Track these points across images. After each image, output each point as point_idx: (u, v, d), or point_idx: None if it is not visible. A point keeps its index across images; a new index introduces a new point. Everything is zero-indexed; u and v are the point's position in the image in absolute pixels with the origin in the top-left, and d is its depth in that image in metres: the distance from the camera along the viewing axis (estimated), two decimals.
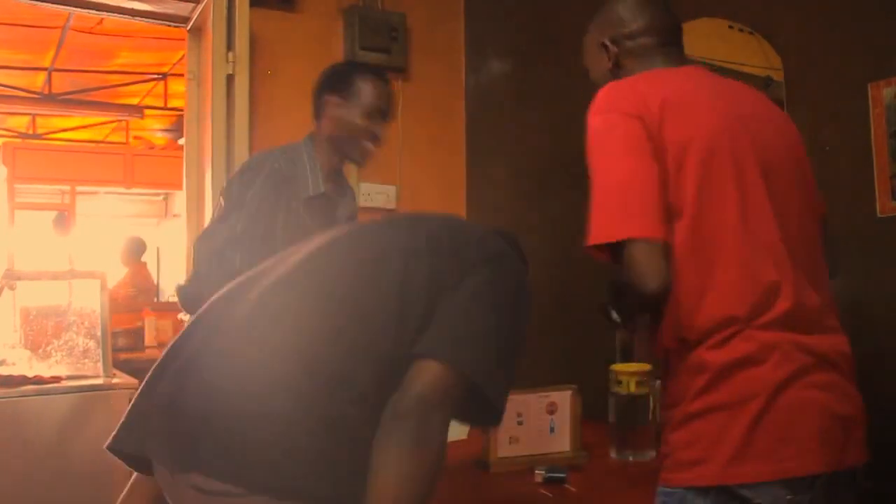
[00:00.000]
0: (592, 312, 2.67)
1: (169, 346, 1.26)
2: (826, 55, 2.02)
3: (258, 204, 2.01)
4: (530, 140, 2.97)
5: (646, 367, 2.08)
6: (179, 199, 5.93)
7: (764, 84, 2.18)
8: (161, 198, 9.34)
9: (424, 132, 3.17)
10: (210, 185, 2.71)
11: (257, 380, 1.11)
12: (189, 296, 2.04)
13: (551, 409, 2.07)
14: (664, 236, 1.26)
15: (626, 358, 2.09)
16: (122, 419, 1.23)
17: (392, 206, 3.04)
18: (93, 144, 7.92)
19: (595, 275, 2.63)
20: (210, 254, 2.00)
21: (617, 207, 1.28)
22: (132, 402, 1.24)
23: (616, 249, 1.27)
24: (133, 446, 1.20)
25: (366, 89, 2.16)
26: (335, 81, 2.20)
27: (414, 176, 3.11)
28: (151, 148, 8.00)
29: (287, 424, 1.07)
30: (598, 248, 1.30)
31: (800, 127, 2.05)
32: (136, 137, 7.98)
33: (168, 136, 7.53)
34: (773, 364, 1.23)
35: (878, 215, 1.89)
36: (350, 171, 2.96)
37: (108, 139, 8.03)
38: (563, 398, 2.08)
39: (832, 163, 2.00)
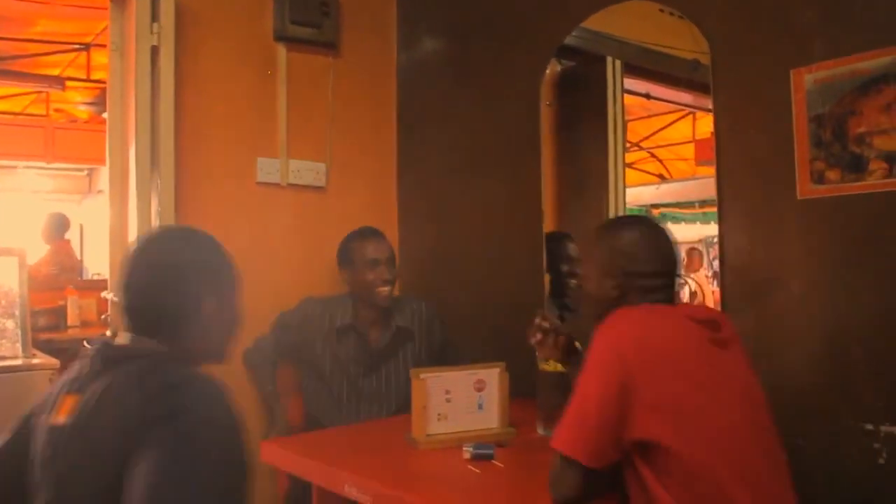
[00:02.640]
0: (522, 291, 2.69)
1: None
2: (751, 41, 2.06)
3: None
4: (463, 118, 2.96)
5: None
6: (104, 175, 5.76)
7: (691, 67, 2.22)
8: (84, 173, 9.07)
9: (355, 109, 3.13)
10: (134, 159, 2.62)
11: None
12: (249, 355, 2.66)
13: (479, 387, 2.08)
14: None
15: None
16: None
17: (321, 183, 2.99)
18: (10, 116, 7.62)
19: (524, 253, 2.66)
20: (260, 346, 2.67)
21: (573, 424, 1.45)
22: None
23: None
24: None
25: (359, 251, 2.60)
26: (340, 259, 2.66)
27: (344, 153, 3.07)
28: (73, 121, 7.73)
29: None
30: None
31: (725, 110, 2.11)
32: (56, 110, 7.69)
33: (91, 109, 7.27)
34: None
35: (798, 198, 1.94)
36: (280, 147, 2.92)
37: (28, 111, 7.72)
38: (491, 375, 2.09)
39: (755, 146, 2.05)
